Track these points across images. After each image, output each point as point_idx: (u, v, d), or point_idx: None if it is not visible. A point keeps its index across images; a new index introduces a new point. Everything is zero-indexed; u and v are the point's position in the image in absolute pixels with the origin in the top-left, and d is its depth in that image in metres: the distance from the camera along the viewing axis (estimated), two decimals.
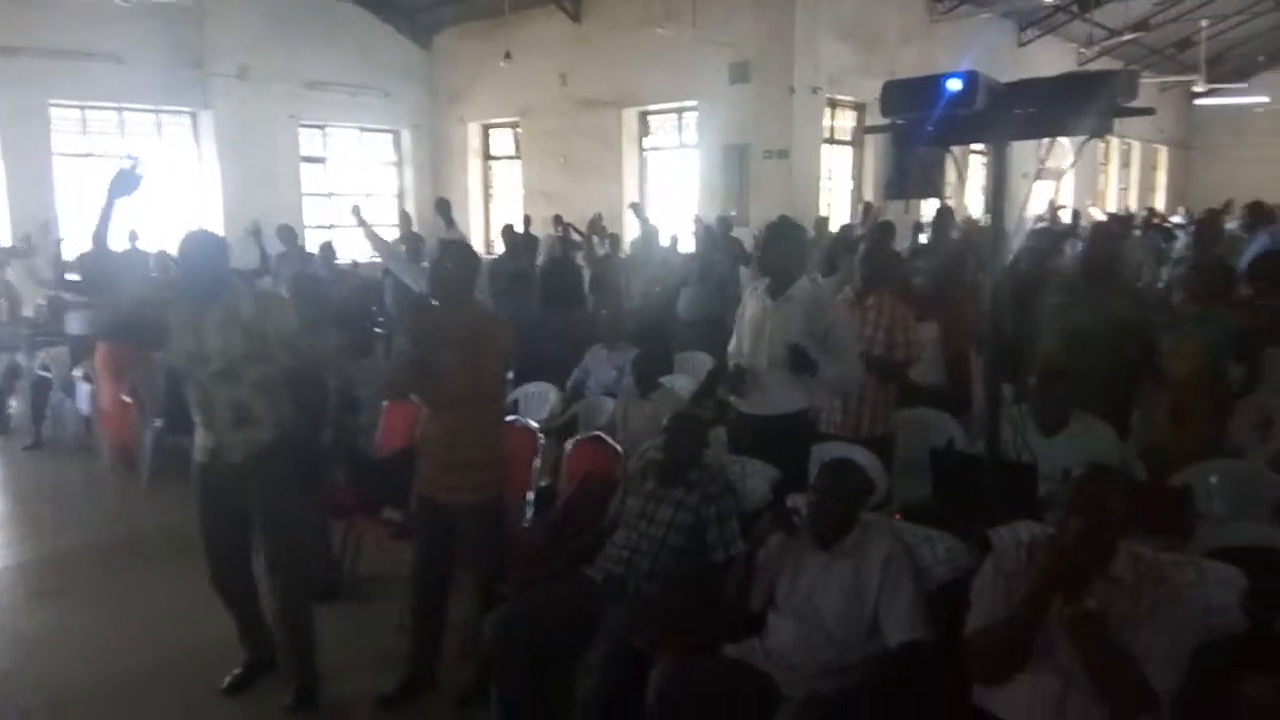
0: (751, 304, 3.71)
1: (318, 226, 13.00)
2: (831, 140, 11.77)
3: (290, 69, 12.49)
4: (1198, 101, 17.24)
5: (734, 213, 10.32)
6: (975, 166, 11.49)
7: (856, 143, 12.13)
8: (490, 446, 3.22)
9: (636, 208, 7.21)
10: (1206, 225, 7.74)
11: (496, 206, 14.91)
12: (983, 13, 12.56)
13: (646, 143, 12.72)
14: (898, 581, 2.52)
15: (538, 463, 4.03)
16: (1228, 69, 17.81)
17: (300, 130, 13.17)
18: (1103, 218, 12.72)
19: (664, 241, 8.98)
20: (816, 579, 2.63)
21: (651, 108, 12.43)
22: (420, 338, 3.18)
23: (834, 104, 11.53)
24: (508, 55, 11.61)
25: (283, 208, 11.41)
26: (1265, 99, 16.92)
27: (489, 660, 2.99)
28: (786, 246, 3.62)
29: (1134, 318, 4.05)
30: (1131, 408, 4.13)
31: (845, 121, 11.91)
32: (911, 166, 3.48)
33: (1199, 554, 2.77)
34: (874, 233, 7.38)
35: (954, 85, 2.44)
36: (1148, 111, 2.46)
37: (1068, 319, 4.08)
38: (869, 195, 11.91)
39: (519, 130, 13.98)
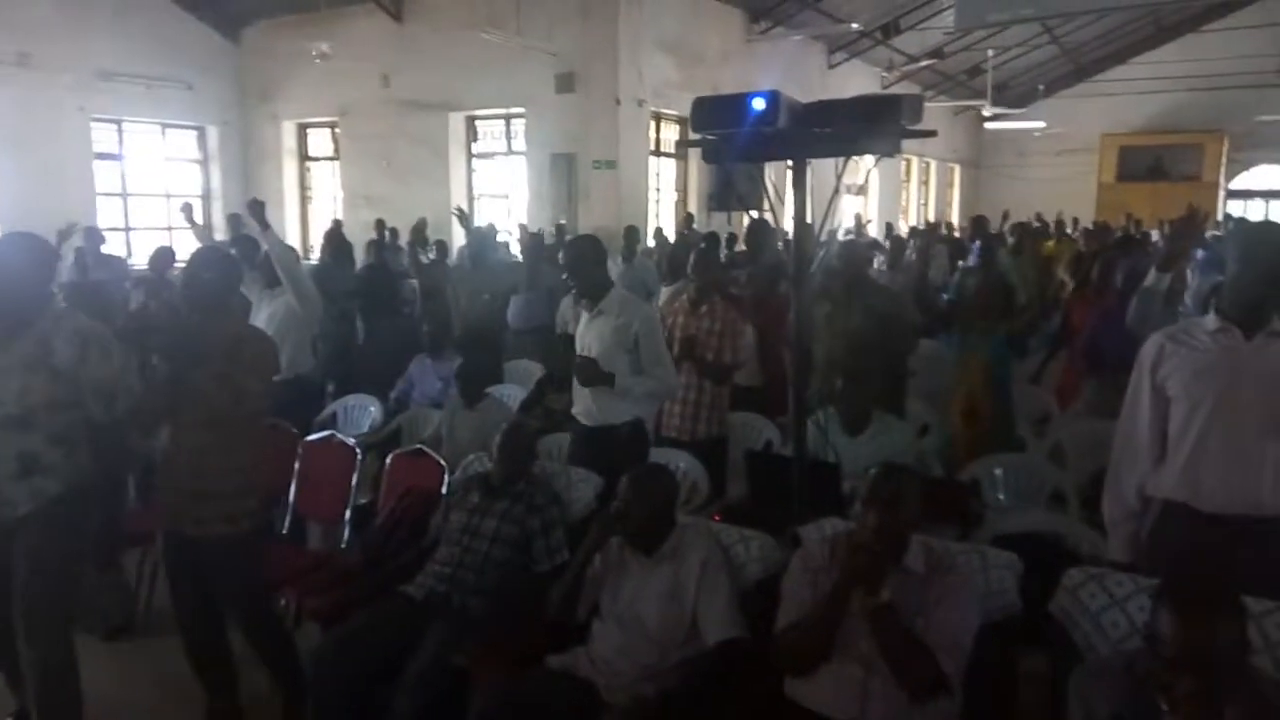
0: (574, 317, 3.79)
1: (112, 229, 11.95)
2: (658, 152, 12.03)
3: (79, 57, 11.43)
4: (987, 125, 18.89)
5: (563, 221, 10.36)
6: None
7: (681, 155, 12.46)
8: (244, 472, 2.91)
9: (461, 214, 7.07)
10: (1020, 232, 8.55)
11: (315, 210, 14.26)
12: (795, 35, 13.23)
13: (475, 148, 12.55)
14: (715, 582, 2.60)
15: (355, 479, 3.88)
16: (1012, 95, 19.62)
17: (93, 124, 12.07)
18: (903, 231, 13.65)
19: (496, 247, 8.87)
20: (638, 585, 2.67)
21: (479, 113, 12.27)
22: (173, 355, 2.77)
23: (659, 117, 11.80)
24: (323, 52, 11.12)
25: (72, 208, 10.41)
26: (1043, 123, 18.76)
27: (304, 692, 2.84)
28: (587, 264, 3.62)
29: (893, 315, 4.40)
30: (903, 398, 4.47)
31: (671, 134, 12.21)
32: (734, 180, 3.61)
33: (985, 541, 3.03)
34: (702, 243, 7.61)
35: (758, 104, 2.54)
36: (930, 133, 2.66)
37: (841, 324, 4.37)
38: (693, 207, 12.27)
39: (338, 131, 13.44)
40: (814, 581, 2.34)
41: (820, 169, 2.75)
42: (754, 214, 6.97)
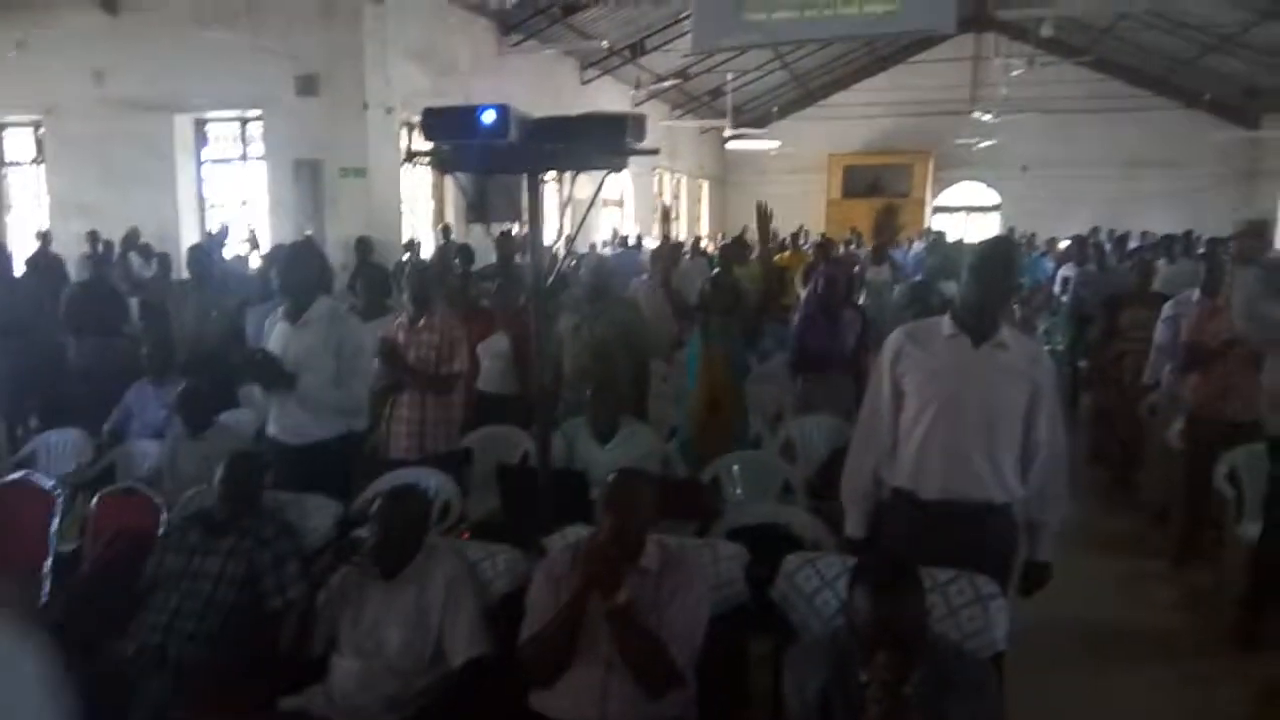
0: (276, 329, 3.64)
1: None
2: (412, 161, 11.69)
3: None
4: (729, 144, 20.10)
5: (310, 231, 9.82)
6: (551, 193, 12.20)
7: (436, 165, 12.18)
8: None
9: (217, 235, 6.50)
10: (724, 251, 9.02)
11: (15, 219, 12.56)
12: (547, 49, 13.39)
13: (205, 153, 11.58)
14: (460, 601, 2.55)
15: (56, 525, 3.45)
16: (750, 116, 21.04)
17: None
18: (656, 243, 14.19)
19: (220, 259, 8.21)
20: (380, 610, 2.57)
21: (210, 115, 11.34)
22: None
23: (410, 125, 11.49)
24: (20, 44, 9.84)
25: None
26: (777, 143, 20.24)
27: None
28: (305, 271, 3.61)
29: (634, 324, 4.61)
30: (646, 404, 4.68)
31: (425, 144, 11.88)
32: (492, 191, 3.58)
33: (722, 535, 3.21)
34: (456, 256, 7.51)
35: (488, 117, 2.53)
36: (652, 151, 2.78)
37: (586, 333, 4.49)
38: (450, 218, 12.06)
39: (41, 132, 11.92)
40: (557, 590, 2.36)
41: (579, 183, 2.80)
42: (506, 227, 6.98)
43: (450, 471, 3.78)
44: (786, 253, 10.59)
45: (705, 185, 22.59)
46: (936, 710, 1.86)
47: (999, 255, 2.64)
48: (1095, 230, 14.54)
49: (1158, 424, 5.28)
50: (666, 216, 4.87)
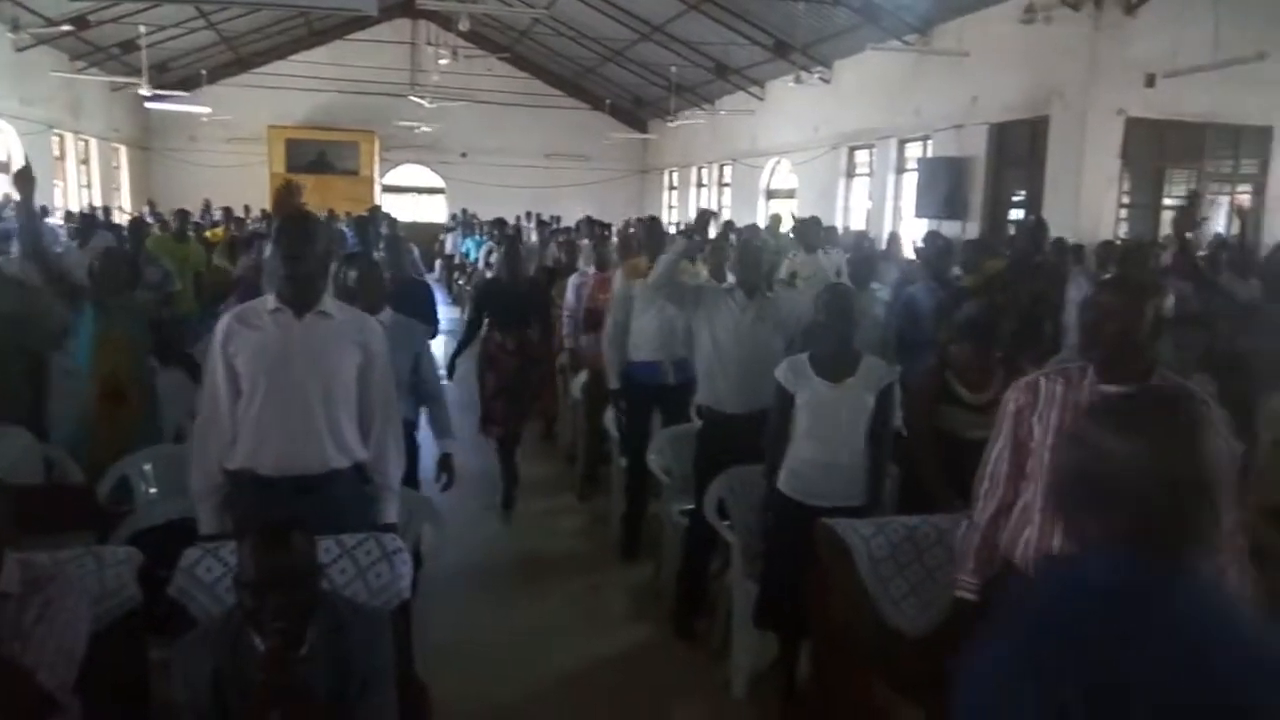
0: None
1: None
2: None
3: None
4: (149, 105, 17.82)
5: None
6: None
7: None
8: None
9: None
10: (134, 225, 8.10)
11: None
12: None
13: None
14: None
15: None
16: (174, 77, 18.90)
17: None
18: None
19: None
20: None
21: None
22: None
23: None
24: None
25: None
26: (209, 109, 18.55)
27: None
28: None
29: (22, 308, 4.04)
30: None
31: None
32: None
33: (125, 539, 2.92)
34: None
35: None
36: None
37: None
38: None
39: None
40: None
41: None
42: None
43: None
44: (219, 229, 9.87)
45: (122, 150, 19.76)
46: (335, 661, 1.96)
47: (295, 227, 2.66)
48: (529, 214, 16.15)
49: (568, 381, 6.14)
50: (24, 176, 3.94)
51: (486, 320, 5.43)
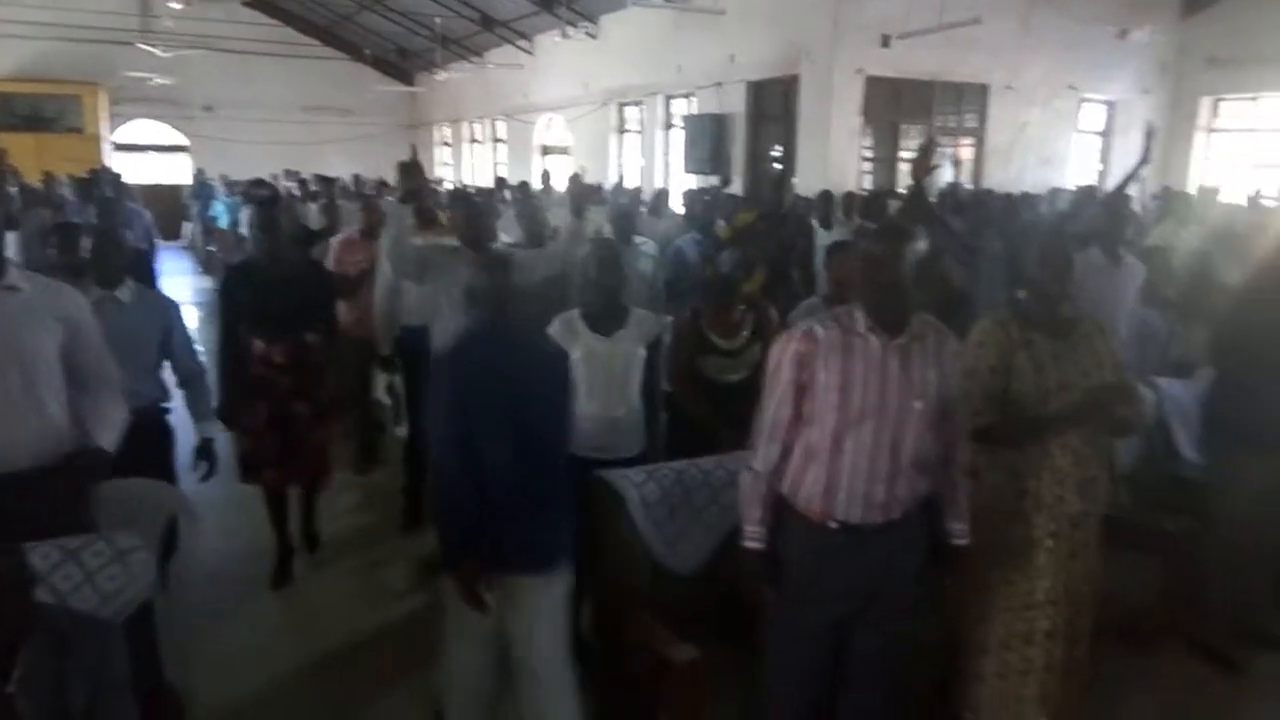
0: None
1: None
2: None
3: None
4: None
5: None
6: None
7: None
8: None
9: None
10: None
11: None
12: None
13: None
14: None
15: None
16: None
17: None
18: None
19: None
20: None
21: None
22: None
23: None
24: None
25: None
26: None
27: None
28: None
29: None
30: None
31: None
32: None
33: None
34: None
35: None
36: None
37: None
38: None
39: None
40: None
41: None
42: None
43: None
44: None
45: None
46: (56, 686, 1.77)
47: None
48: (288, 172, 15.07)
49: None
50: None
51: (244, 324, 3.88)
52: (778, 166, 10.82)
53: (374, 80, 21.00)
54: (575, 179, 9.21)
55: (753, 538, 2.37)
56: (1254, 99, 11.88)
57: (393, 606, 3.90)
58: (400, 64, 21.23)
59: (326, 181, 10.63)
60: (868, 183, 10.67)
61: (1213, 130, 12.49)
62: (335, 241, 5.65)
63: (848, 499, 2.25)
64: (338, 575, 4.16)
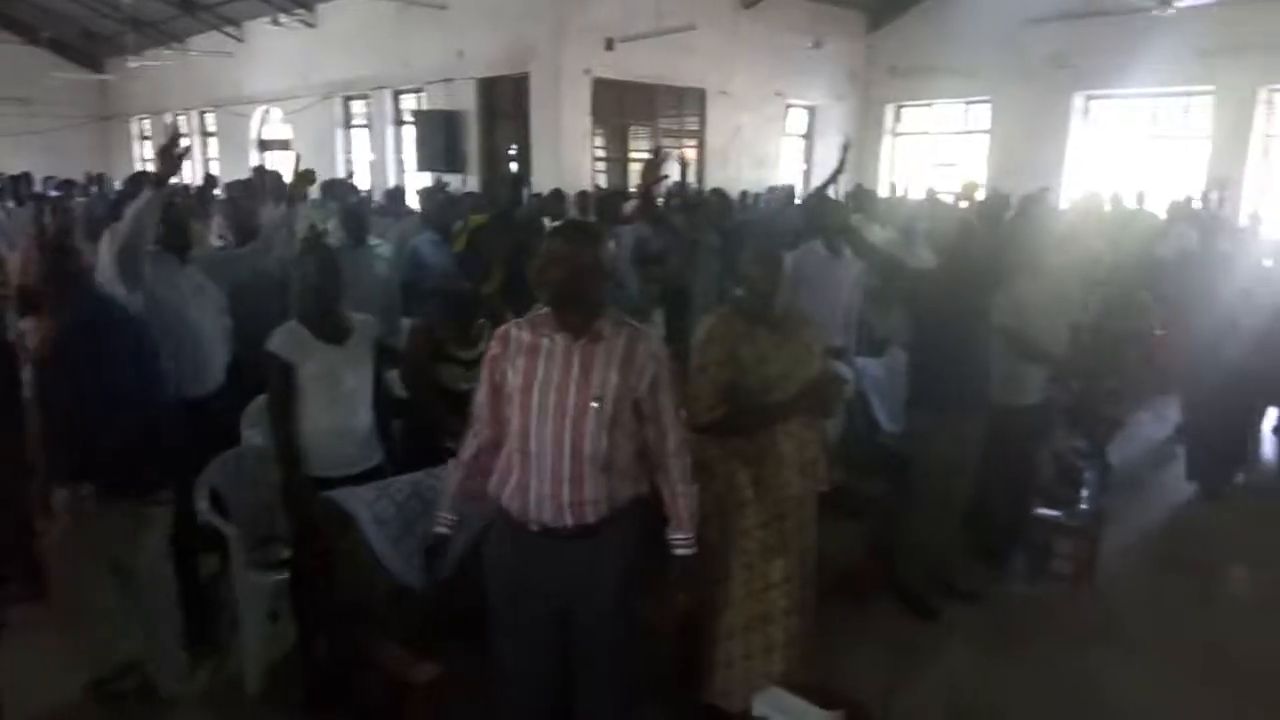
0: None
1: None
2: None
3: None
4: None
5: None
6: None
7: None
8: None
9: None
10: None
11: None
12: None
13: None
14: None
15: None
16: None
17: None
18: None
19: None
20: None
21: None
22: None
23: None
24: None
25: None
26: None
27: None
28: None
29: None
30: None
31: None
32: None
33: None
34: None
35: None
36: None
37: None
38: None
39: None
40: None
41: None
42: None
43: None
44: None
45: None
46: None
47: None
48: None
49: None
50: None
51: None
52: (514, 166, 10.81)
53: (54, 66, 18.48)
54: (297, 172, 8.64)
55: (441, 523, 2.43)
56: (929, 105, 13.55)
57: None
58: (86, 48, 18.85)
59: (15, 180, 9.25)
60: (603, 181, 10.95)
61: (897, 134, 14.09)
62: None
63: (537, 500, 2.22)
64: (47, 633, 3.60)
